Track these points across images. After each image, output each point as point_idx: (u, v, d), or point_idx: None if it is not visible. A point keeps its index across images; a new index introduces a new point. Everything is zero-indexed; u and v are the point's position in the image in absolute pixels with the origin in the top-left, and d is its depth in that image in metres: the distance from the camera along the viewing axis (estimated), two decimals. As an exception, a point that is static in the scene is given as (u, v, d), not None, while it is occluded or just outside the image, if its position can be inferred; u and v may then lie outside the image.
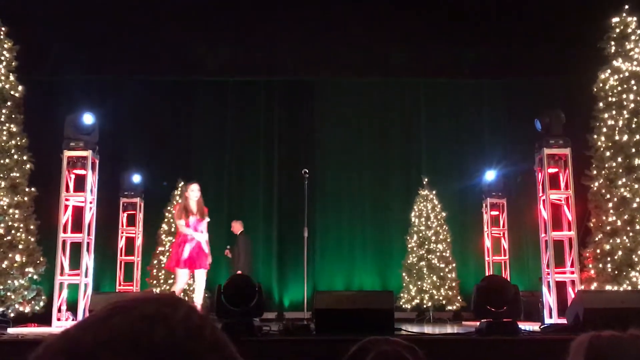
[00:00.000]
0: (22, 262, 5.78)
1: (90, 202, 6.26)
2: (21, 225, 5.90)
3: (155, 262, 7.64)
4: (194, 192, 5.42)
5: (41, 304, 5.92)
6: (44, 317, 5.99)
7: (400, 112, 8.90)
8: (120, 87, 8.56)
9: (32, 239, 5.99)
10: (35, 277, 5.94)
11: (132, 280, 7.81)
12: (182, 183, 7.80)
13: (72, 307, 6.08)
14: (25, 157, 6.12)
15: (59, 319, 5.87)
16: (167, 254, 7.53)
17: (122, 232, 7.91)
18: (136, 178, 7.94)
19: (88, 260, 6.12)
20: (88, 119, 6.19)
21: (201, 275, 5.36)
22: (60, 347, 0.56)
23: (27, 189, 6.06)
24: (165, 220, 7.73)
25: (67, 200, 6.17)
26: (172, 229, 7.65)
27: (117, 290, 7.63)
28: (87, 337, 0.56)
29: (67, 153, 6.17)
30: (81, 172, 6.23)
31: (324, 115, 8.83)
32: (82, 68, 8.31)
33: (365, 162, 8.73)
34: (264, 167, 8.67)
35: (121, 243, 7.89)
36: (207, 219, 5.39)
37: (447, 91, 8.87)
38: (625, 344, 1.25)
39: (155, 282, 7.56)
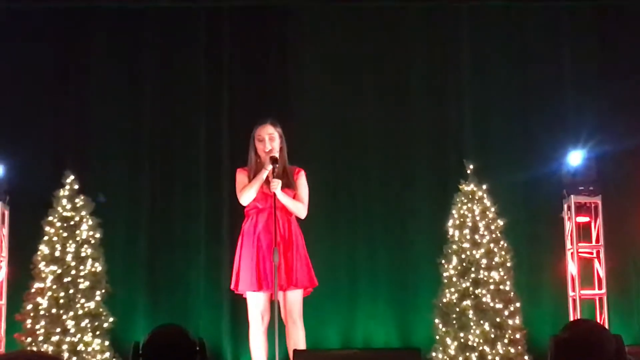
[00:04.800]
0: None
1: None
2: None
3: (29, 307, 7.47)
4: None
5: None
6: None
7: (428, 55, 8.87)
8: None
9: None
10: None
11: None
12: (72, 178, 7.65)
13: None
14: None
15: None
16: (49, 292, 7.42)
17: (-25, 259, 7.87)
18: None
19: None
20: None
21: None
22: None
23: None
24: (46, 239, 7.59)
25: None
26: (57, 253, 7.53)
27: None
28: None
29: None
30: None
31: (302, 61, 8.81)
32: None
33: (371, 137, 8.74)
34: (206, 147, 8.65)
35: (-26, 276, 7.85)
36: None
37: (504, 21, 8.87)
38: None
39: (30, 339, 7.43)
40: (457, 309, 7.53)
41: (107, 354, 7.44)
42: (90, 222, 7.65)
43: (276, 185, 5.78)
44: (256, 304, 5.88)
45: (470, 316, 7.48)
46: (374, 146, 8.69)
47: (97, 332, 7.45)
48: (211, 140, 8.63)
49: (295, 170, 6.11)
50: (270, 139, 6.02)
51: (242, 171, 6.09)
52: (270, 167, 5.83)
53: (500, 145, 8.61)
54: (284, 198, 5.89)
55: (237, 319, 8.16)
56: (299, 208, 6.03)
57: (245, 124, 8.44)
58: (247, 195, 5.95)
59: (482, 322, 7.46)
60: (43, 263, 7.50)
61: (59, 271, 7.47)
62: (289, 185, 5.98)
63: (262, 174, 5.87)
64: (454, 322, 7.51)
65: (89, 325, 7.43)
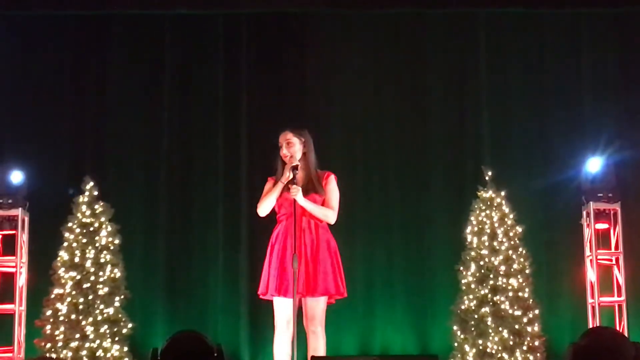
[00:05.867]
0: None
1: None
2: None
3: (49, 313, 7.53)
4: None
5: None
6: None
7: (446, 62, 8.86)
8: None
9: None
10: None
11: (11, 342, 7.76)
12: (91, 184, 7.66)
13: None
14: None
15: None
16: (69, 298, 7.44)
17: (-6, 265, 7.92)
18: (16, 177, 7.86)
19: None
20: None
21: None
22: None
23: None
24: (65, 245, 7.63)
25: None
26: (76, 259, 7.55)
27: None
28: None
29: None
30: None
31: (320, 68, 8.79)
32: None
33: (389, 143, 8.73)
34: (224, 153, 8.66)
35: (-7, 282, 7.90)
36: None
37: (522, 28, 8.84)
38: None
39: (49, 345, 7.46)
40: (476, 316, 7.50)
41: (126, 360, 7.53)
42: (109, 229, 7.67)
43: (295, 192, 5.73)
44: (281, 309, 5.82)
45: (489, 323, 7.45)
46: (391, 152, 8.67)
47: (116, 338, 7.47)
48: (229, 147, 8.63)
49: (324, 175, 6.05)
50: (287, 145, 5.95)
51: (270, 180, 6.05)
52: (289, 174, 5.78)
53: (518, 151, 8.58)
54: (307, 204, 5.82)
55: (255, 325, 8.18)
56: (326, 214, 5.94)
57: (263, 130, 8.49)
58: (262, 207, 5.94)
59: (500, 329, 7.43)
60: (62, 269, 7.52)
61: (78, 277, 7.49)
62: (316, 190, 5.92)
63: (278, 185, 5.86)
64: (472, 329, 7.49)
65: (108, 331, 7.44)
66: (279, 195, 5.85)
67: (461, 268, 7.67)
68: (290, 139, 5.96)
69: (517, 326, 7.45)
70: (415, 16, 8.82)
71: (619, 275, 8.07)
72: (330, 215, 5.96)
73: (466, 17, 8.83)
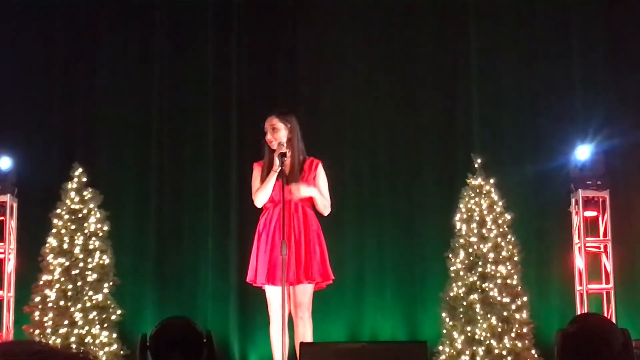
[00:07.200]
0: None
1: None
2: None
3: (37, 299, 7.50)
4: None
5: None
6: None
7: (437, 49, 8.84)
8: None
9: None
10: None
11: (0, 328, 7.79)
12: (80, 170, 7.61)
13: None
14: None
15: None
16: (57, 285, 7.42)
17: (-17, 251, 7.88)
18: (4, 163, 7.86)
19: None
20: None
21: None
22: None
23: None
24: (54, 231, 7.60)
25: None
26: (65, 246, 7.51)
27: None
28: None
29: None
30: None
31: (311, 54, 8.79)
32: None
33: (379, 130, 8.73)
34: (214, 140, 8.63)
35: (-19, 268, 7.87)
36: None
37: (512, 15, 8.83)
38: None
39: (38, 331, 7.44)
40: (464, 303, 7.51)
41: (115, 346, 7.44)
42: (98, 215, 7.66)
43: (297, 191, 5.72)
44: (273, 296, 5.80)
45: (478, 310, 7.46)
46: (382, 140, 8.67)
47: (105, 325, 7.47)
48: (219, 133, 8.62)
49: (312, 163, 6.06)
50: (273, 130, 5.95)
51: (257, 165, 5.99)
52: (278, 162, 5.71)
53: (508, 139, 8.58)
54: (313, 193, 5.86)
55: (245, 311, 8.20)
56: (326, 204, 5.99)
57: (253, 117, 8.46)
58: (259, 199, 5.92)
59: (489, 316, 7.44)
60: (51, 255, 7.51)
61: (67, 263, 7.48)
62: (303, 179, 5.93)
63: (272, 175, 5.81)
64: (461, 315, 7.50)
65: (96, 318, 7.44)
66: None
67: (450, 255, 7.67)
68: (275, 124, 5.94)
69: (505, 313, 7.47)
70: (407, 3, 8.82)
71: (607, 263, 8.10)
72: (328, 206, 6.00)
73: (457, 4, 8.82)
